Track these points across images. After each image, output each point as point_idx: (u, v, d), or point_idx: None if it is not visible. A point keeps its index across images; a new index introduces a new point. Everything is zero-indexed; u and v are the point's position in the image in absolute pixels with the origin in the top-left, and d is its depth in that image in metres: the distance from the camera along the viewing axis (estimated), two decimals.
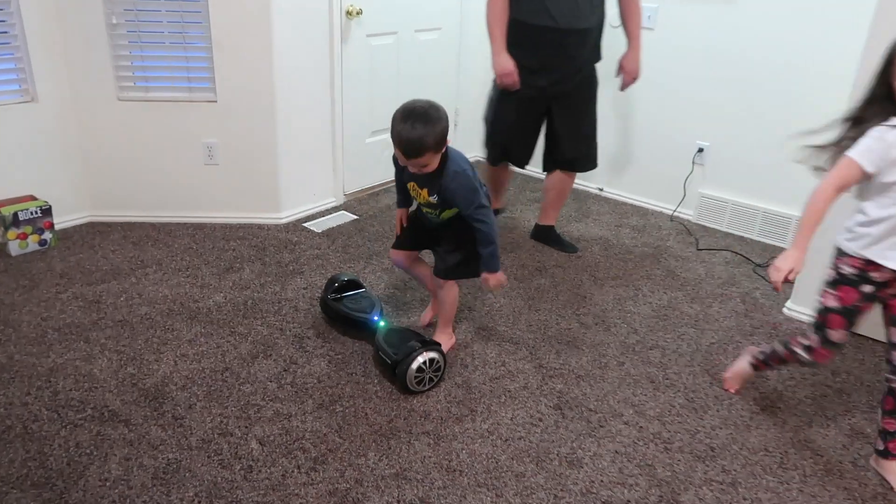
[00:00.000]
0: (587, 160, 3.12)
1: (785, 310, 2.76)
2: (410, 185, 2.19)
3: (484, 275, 2.20)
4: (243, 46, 3.00)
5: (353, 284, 2.50)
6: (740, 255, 3.26)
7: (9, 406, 1.99)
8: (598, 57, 2.99)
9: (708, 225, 3.58)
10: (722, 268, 3.13)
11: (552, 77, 2.87)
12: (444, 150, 2.04)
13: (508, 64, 2.84)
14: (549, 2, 2.72)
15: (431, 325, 2.51)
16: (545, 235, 3.27)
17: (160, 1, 2.93)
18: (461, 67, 4.08)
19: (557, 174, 3.15)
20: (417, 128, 1.93)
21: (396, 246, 2.39)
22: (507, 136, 3.09)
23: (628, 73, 3.02)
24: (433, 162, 2.02)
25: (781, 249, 3.31)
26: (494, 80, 2.99)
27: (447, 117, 2.01)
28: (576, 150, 3.06)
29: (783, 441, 2.04)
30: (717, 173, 3.50)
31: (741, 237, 3.46)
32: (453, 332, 2.43)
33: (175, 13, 2.96)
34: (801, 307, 2.71)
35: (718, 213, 3.53)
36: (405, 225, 2.37)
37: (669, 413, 2.14)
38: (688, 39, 3.41)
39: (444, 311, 2.35)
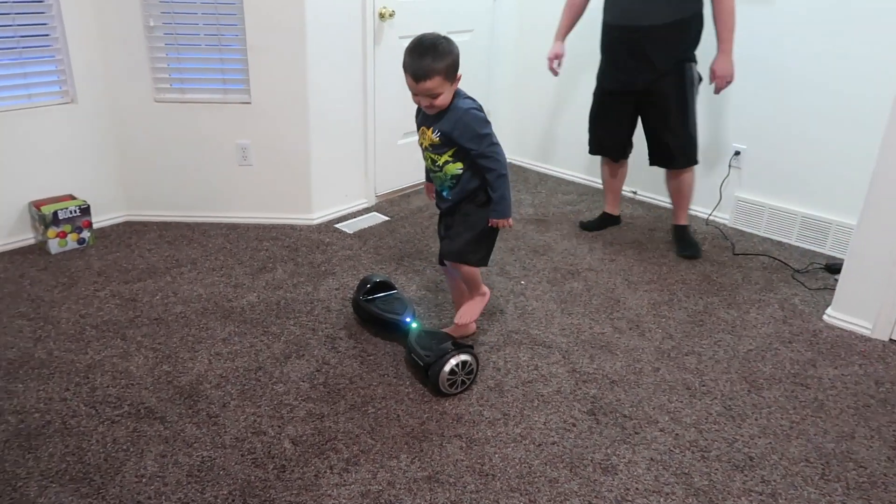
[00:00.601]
0: (681, 156, 3.08)
1: (825, 317, 2.69)
2: (421, 130, 2.18)
3: (492, 221, 2.18)
4: (277, 48, 3.02)
5: (385, 286, 2.50)
6: (778, 260, 3.18)
7: (48, 401, 2.03)
8: (684, 55, 2.95)
9: (744, 229, 3.51)
10: (759, 273, 3.06)
11: (623, 74, 2.98)
12: (455, 84, 2.04)
13: (551, 49, 3.12)
14: None
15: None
16: (674, 234, 3.29)
17: (196, 3, 2.97)
18: (493, 70, 4.07)
19: (668, 173, 3.20)
20: (427, 51, 1.97)
21: (440, 260, 2.39)
22: (594, 126, 3.26)
23: (719, 78, 2.96)
24: (445, 93, 2.01)
25: (820, 255, 3.23)
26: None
27: (458, 52, 2.02)
28: (664, 147, 3.07)
29: (825, 452, 1.99)
30: (755, 177, 3.43)
31: (779, 242, 3.38)
32: (483, 286, 2.35)
33: (211, 15, 3.00)
34: (843, 314, 2.64)
35: (755, 218, 3.46)
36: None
37: (706, 421, 2.09)
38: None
39: (468, 285, 2.32)
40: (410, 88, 2.04)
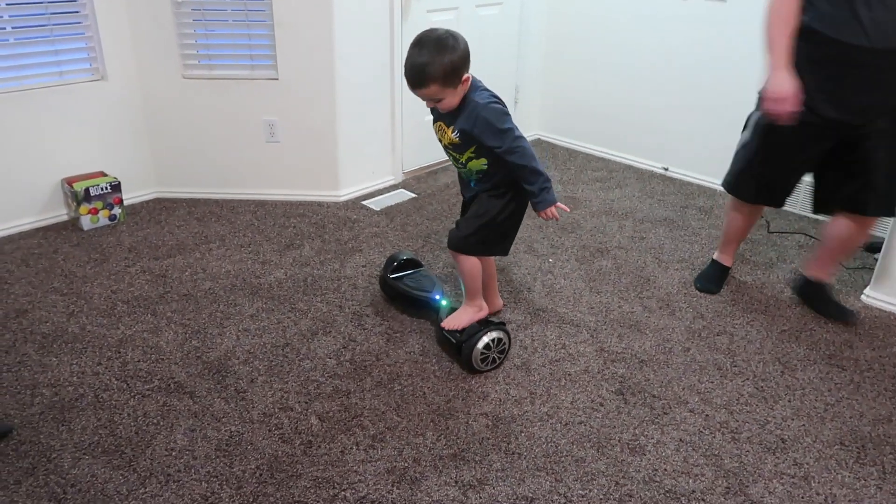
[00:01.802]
0: (885, 205, 2.34)
1: (863, 297, 2.61)
2: (437, 125, 2.07)
3: (541, 213, 2.05)
4: (304, 24, 3.00)
5: (412, 263, 2.48)
6: (815, 238, 3.09)
7: (81, 375, 2.06)
8: None
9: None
10: (794, 252, 2.98)
11: (850, 109, 2.16)
12: (462, 85, 1.90)
13: (787, 86, 2.13)
14: (862, 9, 2.00)
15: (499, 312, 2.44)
16: (813, 294, 2.55)
17: None
18: (522, 43, 3.99)
19: (844, 220, 2.40)
20: (424, 54, 1.83)
21: None
22: (770, 172, 2.41)
23: None
24: (447, 98, 1.90)
25: None
26: (759, 99, 2.32)
27: (466, 50, 1.87)
28: (869, 190, 2.29)
29: (860, 435, 1.94)
30: None
31: (817, 220, 3.29)
32: (483, 302, 2.22)
33: None
34: (882, 294, 2.56)
35: (792, 195, 3.35)
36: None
37: (737, 402, 2.05)
38: (761, 11, 3.22)
39: (466, 284, 2.18)
40: (414, 94, 1.94)
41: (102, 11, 2.90)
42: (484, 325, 2.12)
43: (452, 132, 2.01)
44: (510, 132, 1.95)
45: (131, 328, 2.30)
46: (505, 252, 2.24)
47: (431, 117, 2.11)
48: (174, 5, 2.97)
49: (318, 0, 2.96)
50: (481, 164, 2.05)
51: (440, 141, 2.11)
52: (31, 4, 2.75)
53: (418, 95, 1.92)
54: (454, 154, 2.08)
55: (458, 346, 2.11)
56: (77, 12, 2.88)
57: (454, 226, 2.17)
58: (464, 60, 1.88)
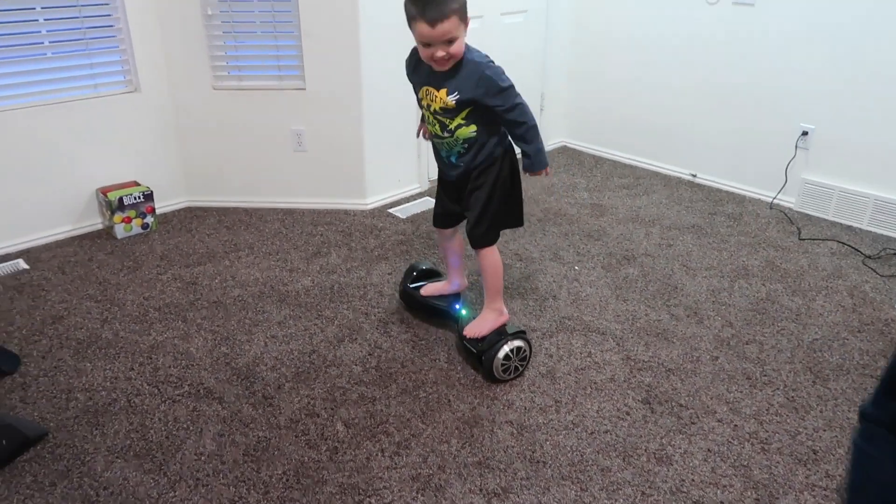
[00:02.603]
0: None
1: None
2: (424, 90, 1.99)
3: (532, 173, 2.05)
4: (332, 34, 3.04)
5: (432, 273, 2.49)
6: (848, 245, 3.04)
7: (114, 380, 2.11)
8: None
9: (812, 213, 3.35)
10: (827, 259, 2.93)
11: None
12: (465, 30, 1.86)
13: None
14: None
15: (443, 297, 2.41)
16: None
17: None
18: (548, 50, 3.99)
19: None
20: None
21: (436, 223, 2.32)
22: None
23: None
24: (459, 37, 1.84)
25: (894, 241, 3.07)
26: None
27: None
28: None
29: None
30: (823, 158, 3.27)
31: (849, 226, 3.23)
32: (504, 306, 2.21)
33: (266, 3, 3.03)
34: None
35: (823, 201, 3.31)
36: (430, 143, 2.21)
37: (767, 412, 2.02)
38: (791, 14, 3.19)
39: (488, 283, 2.16)
40: (423, 39, 1.84)
41: (136, 25, 2.97)
42: (504, 334, 2.12)
43: (448, 94, 1.93)
44: (511, 89, 1.93)
45: (162, 334, 2.35)
46: (521, 221, 2.20)
47: None
48: (205, 18, 3.04)
49: (345, 11, 3.00)
50: (470, 131, 1.99)
51: (426, 108, 2.02)
52: (67, 19, 2.83)
53: (435, 37, 1.82)
54: (443, 120, 1.99)
55: (478, 357, 2.11)
56: (111, 26, 2.96)
57: (469, 230, 2.15)
58: (466, 2, 1.85)
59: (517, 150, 2.11)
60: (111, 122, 3.04)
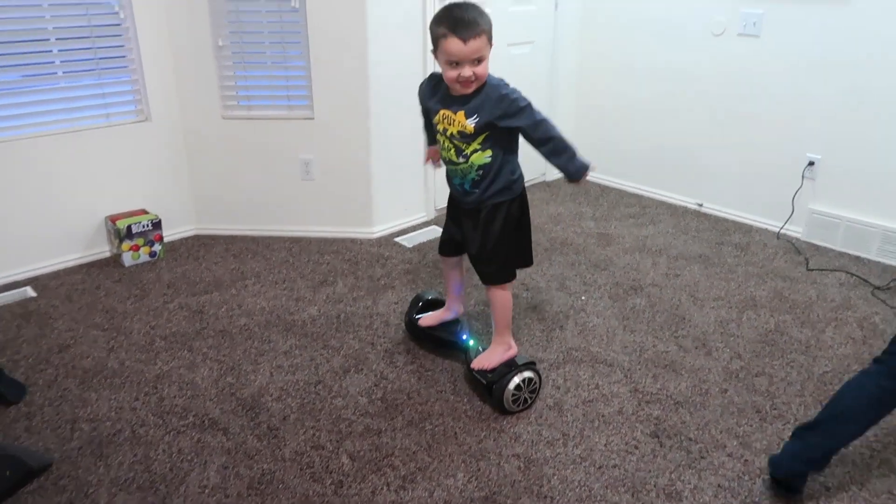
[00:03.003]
0: None
1: None
2: (441, 114, 1.99)
3: (578, 182, 2.05)
4: (340, 65, 3.08)
5: (437, 303, 2.49)
6: (856, 276, 3.02)
7: (119, 410, 2.10)
8: None
9: (819, 244, 3.34)
10: (836, 290, 2.91)
11: None
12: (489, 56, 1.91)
13: None
14: None
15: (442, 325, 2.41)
16: None
17: (263, 23, 3.06)
18: (554, 80, 4.03)
19: None
20: (470, 9, 1.86)
21: (441, 250, 2.33)
22: None
23: None
24: (486, 58, 1.88)
25: None
26: None
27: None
28: None
29: None
30: (830, 188, 3.27)
31: (857, 257, 3.21)
32: (512, 340, 2.22)
33: (276, 34, 3.08)
34: None
35: (831, 231, 3.30)
36: (439, 164, 2.22)
37: (778, 446, 1.98)
38: (797, 45, 3.22)
39: (497, 317, 2.17)
40: (453, 56, 1.85)
41: (148, 55, 3.02)
42: (514, 365, 2.10)
43: (467, 118, 1.94)
44: (531, 106, 1.96)
45: (168, 364, 2.34)
46: (530, 261, 2.22)
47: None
48: (216, 48, 3.08)
49: (354, 42, 3.04)
50: (485, 156, 1.99)
51: (442, 132, 2.02)
52: (80, 50, 2.88)
53: (467, 54, 1.84)
54: (459, 145, 1.99)
55: (488, 387, 2.09)
56: (123, 57, 3.01)
57: (477, 267, 2.16)
58: (492, 26, 1.90)
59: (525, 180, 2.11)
60: (122, 152, 3.07)
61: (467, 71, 1.87)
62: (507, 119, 1.94)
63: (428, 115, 2.12)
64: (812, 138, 3.27)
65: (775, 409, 2.16)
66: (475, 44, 1.84)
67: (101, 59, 2.95)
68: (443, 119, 2.01)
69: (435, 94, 2.05)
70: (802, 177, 3.34)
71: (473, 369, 2.16)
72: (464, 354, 2.29)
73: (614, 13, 3.89)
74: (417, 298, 2.49)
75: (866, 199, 3.16)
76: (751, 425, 2.08)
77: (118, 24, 2.95)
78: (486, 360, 2.16)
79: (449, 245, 2.30)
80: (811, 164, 3.29)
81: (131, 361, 2.35)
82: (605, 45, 3.99)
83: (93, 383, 2.23)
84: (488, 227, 2.09)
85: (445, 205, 2.29)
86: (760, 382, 2.29)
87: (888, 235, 3.11)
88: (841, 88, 3.12)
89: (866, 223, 3.17)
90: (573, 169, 2.02)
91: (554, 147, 1.99)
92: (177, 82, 3.13)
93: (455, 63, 1.88)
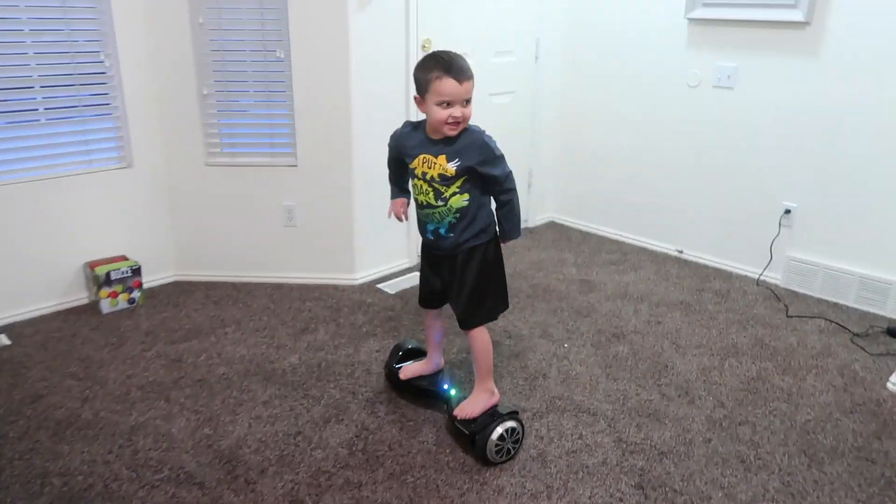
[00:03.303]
0: None
1: (889, 385, 2.54)
2: (421, 158, 2.02)
3: (509, 241, 2.14)
4: (324, 113, 3.11)
5: (419, 352, 2.47)
6: (835, 323, 3.05)
7: (92, 463, 2.04)
8: None
9: (798, 290, 3.38)
10: (815, 337, 2.93)
11: None
12: None
13: None
14: None
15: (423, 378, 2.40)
16: None
17: (248, 72, 3.10)
18: (535, 129, 4.10)
19: None
20: (458, 57, 1.95)
21: (422, 303, 2.33)
22: None
23: None
24: (471, 101, 1.97)
25: (881, 317, 3.09)
26: None
27: None
28: None
29: None
30: (807, 235, 3.33)
31: (835, 304, 3.25)
32: (495, 386, 2.21)
33: (261, 83, 3.11)
34: None
35: (809, 278, 3.34)
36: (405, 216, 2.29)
37: (763, 497, 1.97)
38: (770, 97, 3.32)
39: (479, 363, 2.17)
40: (446, 96, 1.91)
41: (132, 102, 3.03)
42: (497, 415, 2.08)
43: (449, 161, 1.98)
44: (504, 158, 2.04)
45: (144, 414, 2.29)
46: (507, 304, 2.24)
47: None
48: (200, 97, 3.11)
49: (338, 91, 3.08)
50: (463, 199, 2.03)
51: (421, 176, 2.04)
52: (63, 98, 2.89)
53: (459, 95, 1.92)
54: (438, 188, 2.02)
55: (471, 438, 2.07)
56: (108, 105, 3.02)
57: (456, 300, 2.16)
58: None
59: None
60: (103, 198, 3.06)
61: (458, 111, 1.94)
62: (485, 166, 2.00)
63: (399, 163, 2.16)
64: (788, 186, 3.34)
65: (759, 458, 2.14)
66: (468, 85, 1.94)
67: (85, 105, 2.96)
68: (422, 163, 2.04)
69: (410, 139, 2.09)
70: (780, 224, 3.39)
71: (456, 418, 2.13)
72: (445, 405, 2.26)
73: (593, 64, 3.99)
74: (398, 347, 2.47)
75: (843, 246, 3.22)
76: (735, 476, 2.06)
77: (103, 73, 2.96)
78: (470, 407, 2.13)
79: (430, 297, 2.30)
80: (788, 211, 3.36)
81: (106, 412, 2.30)
82: (585, 95, 4.08)
83: (65, 435, 2.17)
84: (466, 271, 2.10)
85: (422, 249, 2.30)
86: (744, 431, 2.28)
87: (865, 282, 3.16)
88: (814, 138, 3.20)
89: (843, 270, 3.22)
90: (514, 228, 2.12)
91: (511, 199, 2.08)
92: (160, 129, 3.14)
93: (447, 104, 1.94)
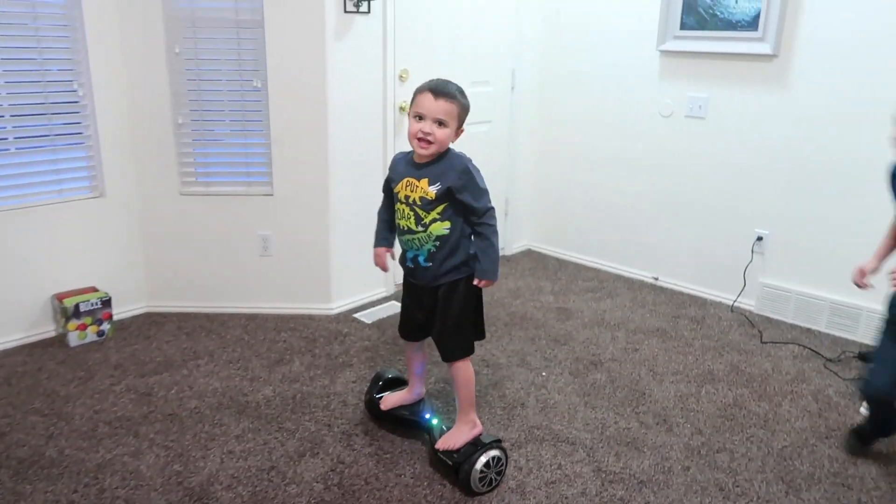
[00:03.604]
0: None
1: (863, 410, 2.56)
2: (405, 181, 2.02)
3: (481, 282, 2.07)
4: (300, 142, 3.10)
5: (398, 382, 2.44)
6: (809, 348, 3.08)
7: None
8: None
9: (772, 316, 3.42)
10: (790, 363, 2.95)
11: None
12: (458, 134, 2.01)
13: (864, 267, 2.24)
14: None
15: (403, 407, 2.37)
16: None
17: (224, 101, 3.09)
18: (512, 158, 4.13)
19: None
20: (451, 84, 1.99)
21: (403, 335, 2.32)
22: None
23: None
24: (450, 130, 1.96)
25: (853, 342, 3.13)
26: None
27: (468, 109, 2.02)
28: None
29: None
30: (779, 262, 3.38)
31: (808, 329, 3.29)
32: (477, 418, 2.19)
33: (237, 112, 3.10)
34: None
35: (782, 304, 3.38)
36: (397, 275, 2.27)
37: None
38: (741, 128, 3.38)
39: (461, 395, 2.15)
40: (419, 109, 1.95)
41: (105, 132, 3.00)
42: (480, 444, 2.06)
43: (430, 184, 1.98)
44: (486, 193, 2.03)
45: (111, 451, 2.22)
46: (483, 334, 2.23)
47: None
48: (175, 126, 3.08)
49: (315, 120, 3.07)
50: (443, 227, 2.02)
51: (404, 200, 2.04)
52: (34, 127, 2.84)
53: (432, 110, 1.93)
54: (419, 212, 2.01)
55: (455, 468, 2.04)
56: (80, 133, 2.98)
57: (437, 333, 2.15)
58: (468, 110, 2.02)
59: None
60: (74, 228, 3.00)
61: (427, 126, 1.94)
62: (464, 192, 1.99)
63: (389, 204, 2.15)
64: (759, 214, 3.39)
65: (738, 486, 2.14)
66: (444, 104, 1.94)
67: (56, 135, 2.91)
68: (405, 186, 2.04)
69: (401, 164, 2.10)
70: (752, 251, 3.44)
71: (439, 450, 2.10)
72: (427, 434, 2.23)
73: (568, 94, 4.05)
74: (378, 377, 2.44)
75: (814, 272, 3.26)
76: None
77: (76, 102, 2.93)
78: (453, 439, 2.11)
79: (412, 329, 2.28)
80: (760, 238, 3.40)
81: (71, 449, 2.22)
82: (560, 124, 4.13)
83: (28, 474, 2.09)
84: (449, 304, 2.10)
85: (403, 280, 2.28)
86: (722, 459, 2.27)
87: (836, 308, 3.20)
88: (784, 166, 3.27)
89: (815, 296, 3.27)
90: (493, 272, 2.06)
91: (490, 241, 2.05)
92: (134, 158, 3.10)
93: (419, 117, 1.95)
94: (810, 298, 3.28)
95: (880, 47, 2.91)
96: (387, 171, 2.19)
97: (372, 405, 2.40)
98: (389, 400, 2.37)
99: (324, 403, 2.53)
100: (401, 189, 2.05)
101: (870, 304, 3.08)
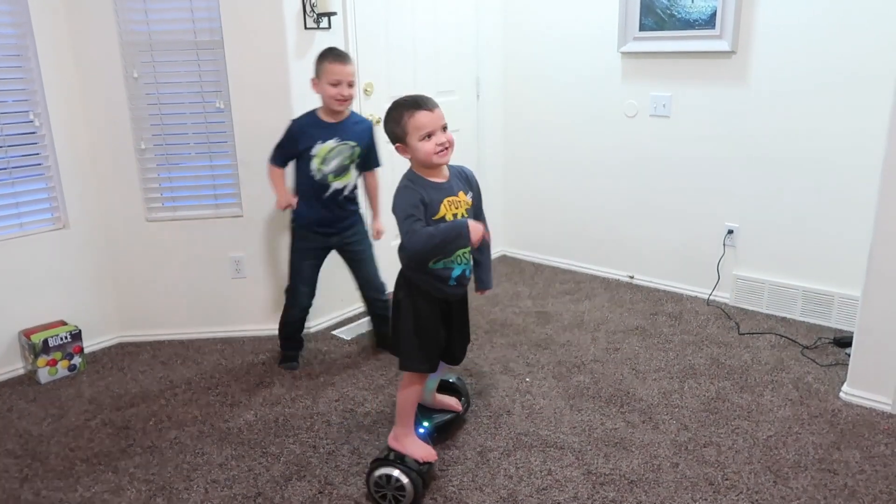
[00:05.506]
0: None
1: (842, 394, 2.60)
2: (446, 203, 1.97)
3: (485, 291, 2.27)
4: (266, 162, 3.05)
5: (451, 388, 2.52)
6: (785, 337, 3.12)
7: None
8: None
9: (747, 308, 3.46)
10: (768, 352, 2.99)
11: None
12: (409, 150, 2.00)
13: None
14: None
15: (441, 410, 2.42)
16: None
17: (187, 124, 3.04)
18: (481, 164, 4.13)
19: None
20: (419, 95, 2.01)
21: (436, 365, 2.19)
22: None
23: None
24: (447, 128, 2.02)
25: (827, 328, 3.18)
26: None
27: None
28: None
29: None
30: (751, 254, 3.42)
31: (784, 318, 3.33)
32: (404, 436, 2.13)
33: (201, 134, 3.05)
34: (860, 391, 2.56)
35: (756, 295, 3.42)
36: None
37: None
38: (705, 124, 3.43)
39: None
40: (427, 126, 1.93)
41: (65, 161, 2.93)
42: (399, 459, 2.03)
43: (466, 194, 2.06)
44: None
45: (90, 489, 2.15)
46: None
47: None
48: (138, 151, 3.02)
49: (279, 136, 3.03)
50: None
51: (452, 219, 1.98)
52: None
53: (433, 119, 1.94)
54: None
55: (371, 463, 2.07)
56: (39, 164, 2.91)
57: (459, 342, 2.25)
58: None
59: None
60: (37, 262, 2.92)
61: (442, 137, 1.96)
62: (479, 196, 2.14)
63: (432, 213, 1.98)
64: (728, 208, 3.44)
65: (727, 479, 2.15)
66: (439, 112, 1.97)
67: (14, 167, 2.84)
68: (450, 207, 1.99)
69: (431, 192, 1.97)
70: (724, 244, 3.48)
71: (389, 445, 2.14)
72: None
73: (533, 100, 4.07)
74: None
75: (784, 262, 3.31)
76: (705, 499, 2.06)
77: (33, 133, 2.86)
78: (397, 440, 2.14)
79: (438, 354, 2.16)
80: (730, 232, 3.45)
81: (48, 490, 2.15)
82: (527, 130, 4.15)
83: None
84: (465, 305, 2.22)
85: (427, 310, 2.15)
86: (709, 453, 2.28)
87: (809, 295, 3.26)
88: (747, 160, 3.32)
89: (788, 285, 3.32)
90: (487, 277, 2.22)
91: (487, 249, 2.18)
92: (96, 187, 3.03)
93: (428, 135, 1.94)
94: (783, 287, 3.33)
95: (833, 32, 2.96)
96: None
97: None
98: (442, 401, 2.43)
99: (307, 424, 2.49)
100: (446, 212, 1.97)
101: (842, 290, 3.14)
